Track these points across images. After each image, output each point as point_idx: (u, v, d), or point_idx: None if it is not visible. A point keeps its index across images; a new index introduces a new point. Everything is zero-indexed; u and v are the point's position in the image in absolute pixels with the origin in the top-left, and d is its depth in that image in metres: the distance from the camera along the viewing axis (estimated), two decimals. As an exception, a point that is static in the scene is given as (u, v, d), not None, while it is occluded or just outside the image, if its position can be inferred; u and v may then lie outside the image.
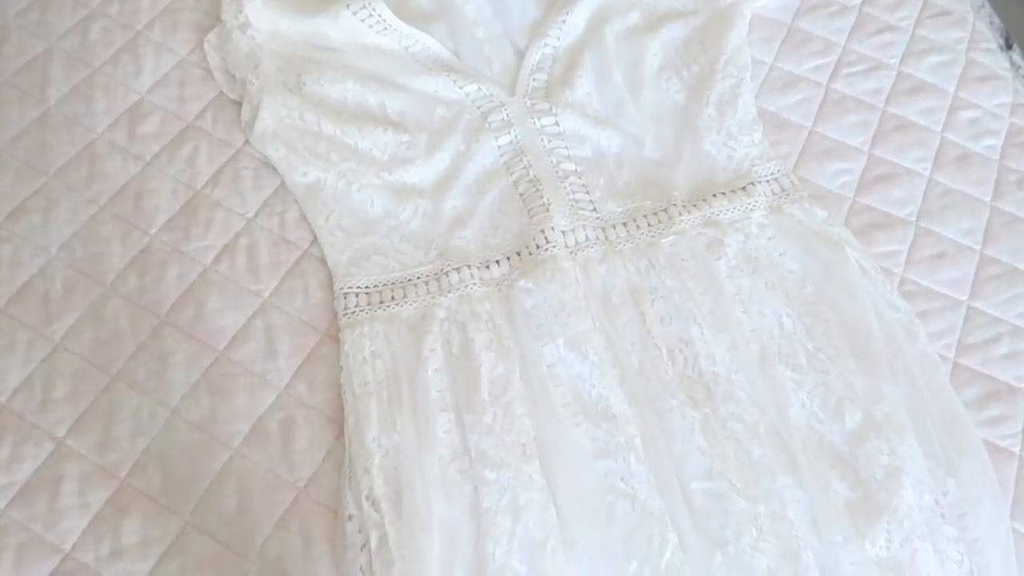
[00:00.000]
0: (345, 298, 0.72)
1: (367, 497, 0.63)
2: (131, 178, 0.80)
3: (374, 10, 0.85)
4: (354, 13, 0.85)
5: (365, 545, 0.61)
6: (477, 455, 0.64)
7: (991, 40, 0.96)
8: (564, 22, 0.87)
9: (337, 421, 0.69)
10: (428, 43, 0.85)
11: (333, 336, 0.73)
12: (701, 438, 0.65)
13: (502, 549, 0.60)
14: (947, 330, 0.75)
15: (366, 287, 0.73)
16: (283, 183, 0.80)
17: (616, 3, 0.90)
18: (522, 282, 0.71)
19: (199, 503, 0.65)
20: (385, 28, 0.85)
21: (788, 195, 0.79)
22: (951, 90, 0.90)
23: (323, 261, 0.77)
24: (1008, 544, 0.63)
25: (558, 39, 0.87)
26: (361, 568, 0.61)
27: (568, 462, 0.64)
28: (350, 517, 0.63)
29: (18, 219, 0.77)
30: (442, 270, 0.74)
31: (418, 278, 0.73)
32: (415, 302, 0.72)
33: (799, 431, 0.65)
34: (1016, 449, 0.69)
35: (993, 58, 0.93)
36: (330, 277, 0.75)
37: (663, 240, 0.74)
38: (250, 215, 0.79)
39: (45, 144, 0.82)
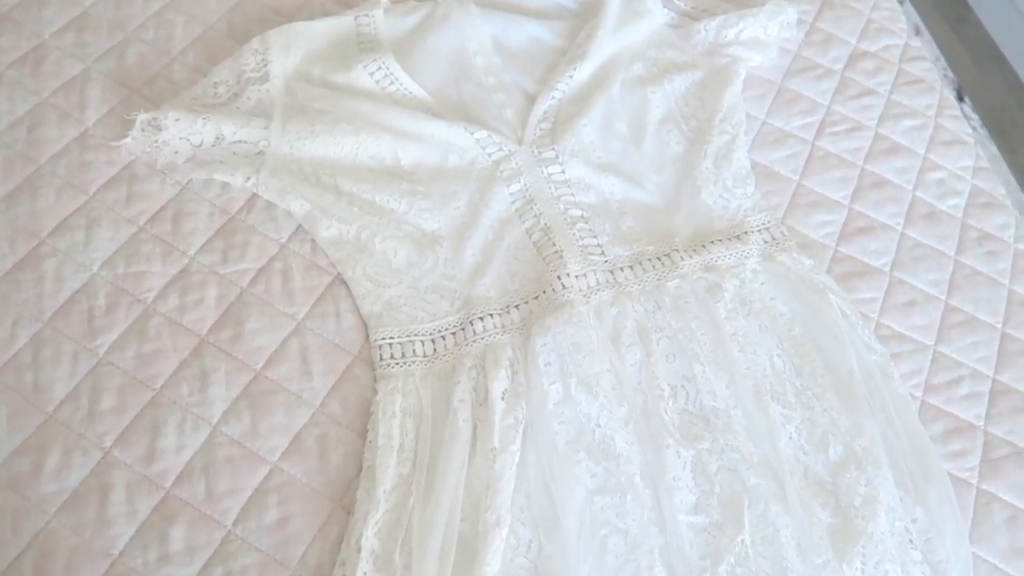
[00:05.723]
0: (380, 349, 0.77)
1: (356, 542, 0.67)
2: (169, 200, 0.85)
3: (384, 64, 0.91)
4: (371, 74, 0.90)
5: None
6: (479, 505, 0.68)
7: (955, 107, 1.06)
8: (572, 76, 0.93)
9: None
10: (433, 102, 0.90)
11: (364, 359, 0.78)
12: (690, 476, 0.71)
13: None
14: (916, 371, 0.84)
15: (399, 339, 0.78)
16: (313, 211, 0.86)
17: (621, 56, 0.97)
18: (540, 325, 0.76)
19: (241, 513, 0.70)
20: (394, 82, 0.90)
21: (779, 244, 0.87)
22: (922, 152, 0.99)
23: (352, 287, 0.82)
24: (968, 565, 0.71)
25: (564, 92, 0.93)
26: None
27: (568, 496, 0.69)
28: (343, 563, 0.67)
29: (61, 235, 0.81)
30: (467, 319, 0.79)
31: (446, 329, 0.78)
32: (444, 355, 0.77)
33: (788, 462, 0.73)
34: (974, 480, 0.78)
35: (958, 124, 1.03)
36: (359, 302, 0.81)
37: (668, 283, 0.82)
38: (283, 240, 0.84)
39: (85, 164, 0.85)
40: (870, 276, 0.89)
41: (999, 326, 0.88)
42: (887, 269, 0.90)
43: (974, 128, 1.16)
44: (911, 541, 0.71)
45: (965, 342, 0.86)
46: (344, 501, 0.71)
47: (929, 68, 1.08)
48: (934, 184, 0.97)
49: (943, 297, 0.89)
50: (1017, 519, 0.77)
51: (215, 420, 0.74)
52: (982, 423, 0.81)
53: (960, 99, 1.17)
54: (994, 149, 1.19)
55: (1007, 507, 0.77)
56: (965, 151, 1.01)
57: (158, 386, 0.75)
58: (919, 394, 0.82)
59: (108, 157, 0.86)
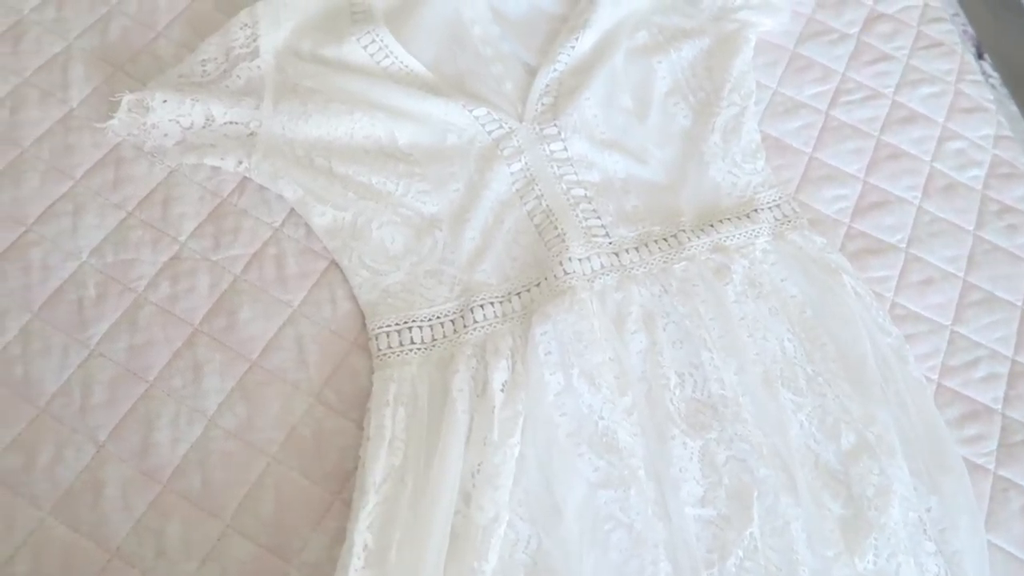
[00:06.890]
0: (377, 339, 0.75)
1: (347, 544, 0.65)
2: (157, 184, 0.82)
3: (378, 37, 0.86)
4: (364, 47, 0.86)
5: None
6: (476, 502, 0.65)
7: (977, 72, 1.01)
8: (573, 47, 0.89)
9: (367, 430, 0.72)
10: (431, 76, 0.86)
11: (361, 346, 0.76)
12: (697, 467, 0.69)
13: None
14: (932, 353, 0.81)
15: (396, 327, 0.75)
16: (307, 192, 0.83)
17: (625, 23, 0.92)
18: (541, 313, 0.73)
19: (239, 508, 0.69)
20: (388, 56, 0.86)
21: (790, 221, 0.83)
22: (940, 121, 0.95)
23: (348, 272, 0.80)
24: (983, 556, 0.69)
25: (566, 64, 0.89)
26: None
27: (569, 490, 0.67)
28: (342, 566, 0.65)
29: (47, 222, 0.78)
30: (467, 306, 0.76)
31: (445, 316, 0.76)
32: (443, 343, 0.74)
33: (798, 451, 0.71)
34: (991, 466, 0.76)
35: (978, 90, 0.99)
36: (356, 288, 0.79)
37: (675, 266, 0.79)
38: (276, 224, 0.81)
39: (69, 146, 0.82)
40: (884, 253, 0.86)
41: (1019, 304, 0.85)
42: (903, 246, 0.87)
43: (994, 86, 1.11)
44: (925, 531, 0.69)
45: (983, 321, 0.83)
46: (343, 494, 0.70)
47: (949, 30, 1.04)
48: (953, 154, 0.93)
49: (961, 274, 0.86)
50: (1034, 506, 0.75)
51: (210, 412, 0.72)
52: (1000, 406, 0.79)
53: (980, 56, 1.12)
54: (1013, 107, 1.15)
55: (1024, 493, 0.75)
56: (986, 119, 0.96)
57: (151, 378, 0.73)
58: (935, 377, 0.80)
59: (93, 139, 0.83)
